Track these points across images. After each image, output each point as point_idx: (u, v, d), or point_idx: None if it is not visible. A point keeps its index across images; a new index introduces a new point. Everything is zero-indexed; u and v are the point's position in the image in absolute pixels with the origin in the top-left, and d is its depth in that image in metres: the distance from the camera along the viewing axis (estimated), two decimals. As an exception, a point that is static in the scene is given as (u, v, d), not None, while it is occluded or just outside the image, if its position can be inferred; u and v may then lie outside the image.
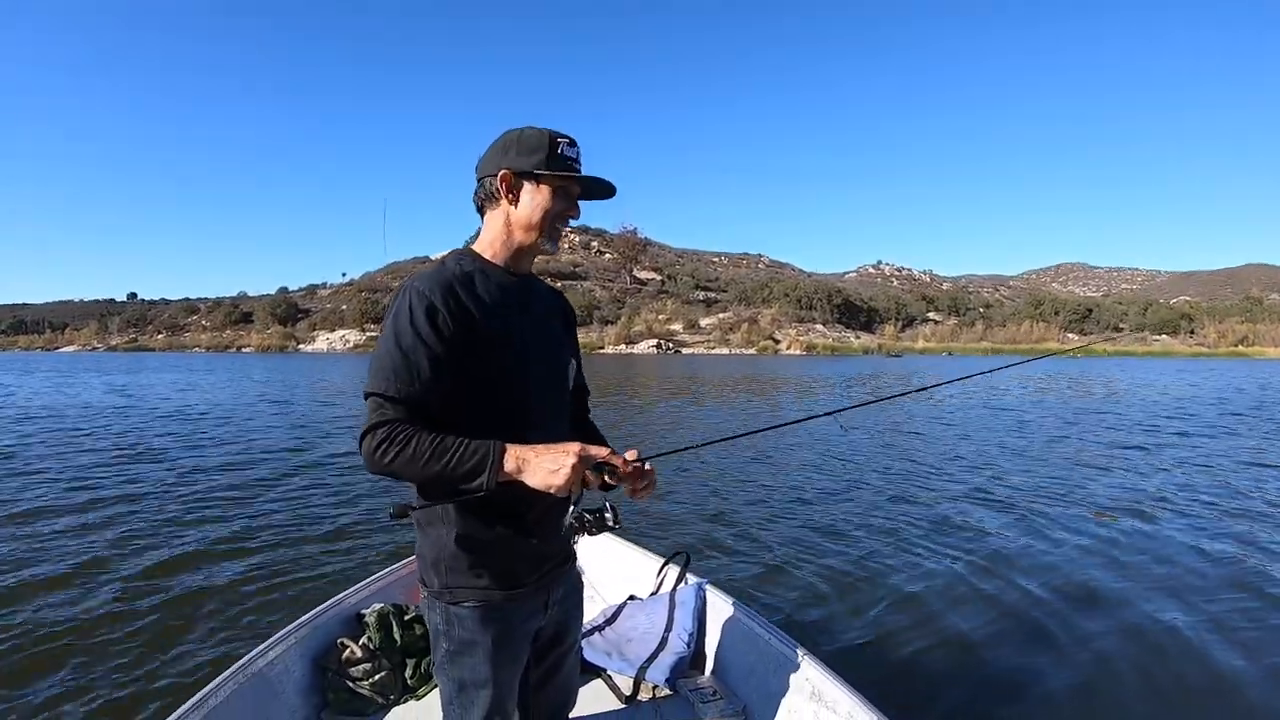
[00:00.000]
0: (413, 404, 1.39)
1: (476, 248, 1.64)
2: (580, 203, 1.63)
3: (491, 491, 1.37)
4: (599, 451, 1.41)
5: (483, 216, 1.64)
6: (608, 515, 1.54)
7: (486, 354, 1.49)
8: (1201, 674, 3.66)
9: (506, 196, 1.56)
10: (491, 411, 1.49)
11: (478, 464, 1.35)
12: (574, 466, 1.35)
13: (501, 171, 1.55)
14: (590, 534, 1.52)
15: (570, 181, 1.58)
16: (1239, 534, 6.20)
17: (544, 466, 1.36)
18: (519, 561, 1.59)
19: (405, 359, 1.40)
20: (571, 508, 1.52)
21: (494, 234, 1.61)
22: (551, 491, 1.36)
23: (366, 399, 1.42)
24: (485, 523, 1.53)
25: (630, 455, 1.50)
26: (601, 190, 1.64)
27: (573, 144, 1.57)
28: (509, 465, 1.37)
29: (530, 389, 1.59)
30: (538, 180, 1.55)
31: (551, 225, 1.59)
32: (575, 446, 1.37)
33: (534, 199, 1.56)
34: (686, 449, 1.99)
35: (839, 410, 2.21)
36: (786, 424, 2.45)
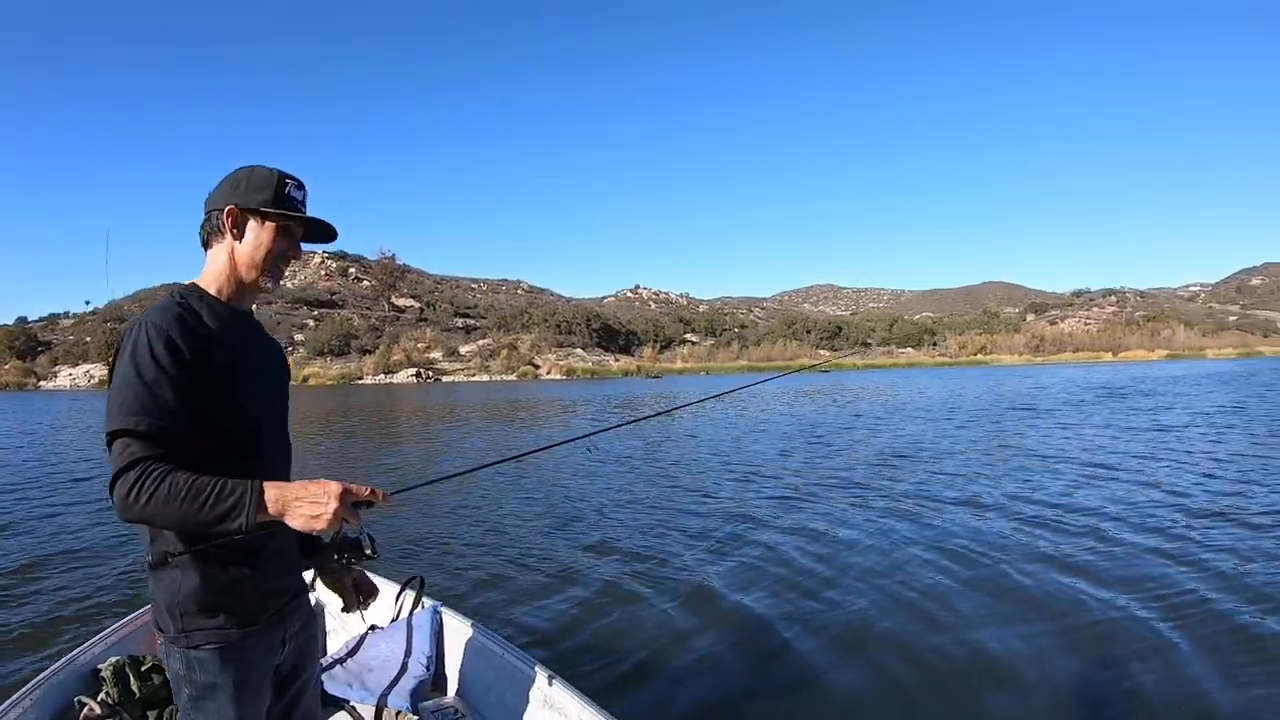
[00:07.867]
0: (162, 440, 1.41)
1: (201, 283, 1.69)
2: (326, 241, 1.79)
3: (249, 532, 1.42)
4: (360, 490, 1.46)
5: (207, 251, 1.70)
6: (366, 547, 1.61)
7: (217, 388, 1.54)
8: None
9: (231, 231, 1.64)
10: (222, 448, 1.55)
11: (235, 503, 1.39)
12: (335, 511, 1.40)
13: (228, 206, 1.63)
14: (350, 565, 1.61)
15: (294, 222, 1.70)
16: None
17: (305, 510, 1.41)
18: (254, 599, 1.64)
19: (150, 392, 1.41)
20: (337, 538, 1.62)
21: (218, 269, 1.67)
22: (314, 533, 1.45)
23: (112, 441, 1.41)
24: (219, 563, 1.57)
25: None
26: (323, 233, 1.77)
27: (300, 186, 1.70)
28: (271, 506, 1.41)
29: (260, 426, 1.66)
30: (263, 218, 1.65)
31: (274, 264, 1.68)
32: (336, 488, 1.42)
33: (258, 236, 1.65)
34: (447, 478, 2.29)
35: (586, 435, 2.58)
36: (537, 450, 2.76)
